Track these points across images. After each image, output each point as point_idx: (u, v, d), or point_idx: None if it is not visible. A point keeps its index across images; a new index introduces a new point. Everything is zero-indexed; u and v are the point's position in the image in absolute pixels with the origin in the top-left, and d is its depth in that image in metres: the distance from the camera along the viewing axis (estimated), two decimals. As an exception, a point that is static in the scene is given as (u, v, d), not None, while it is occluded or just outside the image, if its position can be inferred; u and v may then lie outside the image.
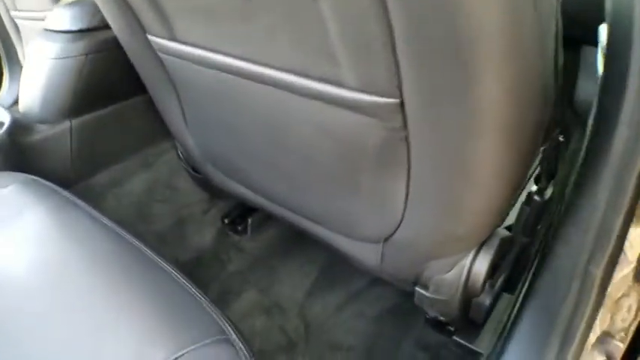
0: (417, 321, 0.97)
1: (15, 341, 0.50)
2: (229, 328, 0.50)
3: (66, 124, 0.93)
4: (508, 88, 0.41)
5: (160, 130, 0.95)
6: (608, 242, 0.46)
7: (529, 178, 0.71)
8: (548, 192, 0.71)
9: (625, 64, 0.44)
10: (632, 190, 0.44)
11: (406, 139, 0.49)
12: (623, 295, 0.46)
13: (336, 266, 1.10)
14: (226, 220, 1.17)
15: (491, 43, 0.37)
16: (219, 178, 0.90)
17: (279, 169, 0.71)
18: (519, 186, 0.57)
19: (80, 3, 0.91)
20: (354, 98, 0.48)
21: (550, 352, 0.50)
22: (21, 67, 1.83)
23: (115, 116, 0.99)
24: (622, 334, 0.47)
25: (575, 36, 0.74)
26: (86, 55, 0.89)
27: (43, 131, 0.91)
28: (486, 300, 0.71)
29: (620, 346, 0.47)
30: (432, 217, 0.58)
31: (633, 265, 0.44)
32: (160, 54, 0.70)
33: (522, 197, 0.73)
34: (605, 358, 0.47)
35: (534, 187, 0.71)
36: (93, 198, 0.98)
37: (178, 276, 0.56)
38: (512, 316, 0.58)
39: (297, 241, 1.15)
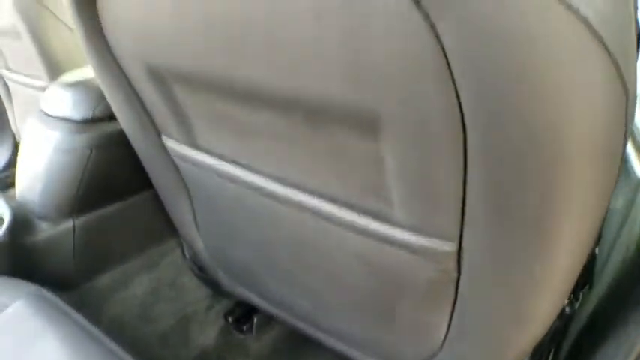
0: None
1: None
2: None
3: (69, 223, 0.87)
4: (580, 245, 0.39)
5: (166, 227, 0.91)
6: None
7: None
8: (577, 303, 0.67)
9: None
10: None
11: (457, 279, 0.46)
12: None
13: (349, 371, 1.03)
14: (230, 319, 1.11)
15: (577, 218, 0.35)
16: (230, 284, 0.85)
17: (303, 286, 0.67)
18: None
19: (82, 86, 0.83)
20: (404, 238, 0.44)
21: None
22: (10, 128, 1.77)
23: (120, 214, 0.93)
24: None
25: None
26: (91, 150, 0.82)
27: (45, 230, 0.85)
28: None
29: None
30: (474, 347, 0.54)
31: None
32: (176, 159, 0.63)
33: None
34: None
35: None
36: (95, 302, 0.92)
37: None
38: None
39: (306, 342, 1.08)
